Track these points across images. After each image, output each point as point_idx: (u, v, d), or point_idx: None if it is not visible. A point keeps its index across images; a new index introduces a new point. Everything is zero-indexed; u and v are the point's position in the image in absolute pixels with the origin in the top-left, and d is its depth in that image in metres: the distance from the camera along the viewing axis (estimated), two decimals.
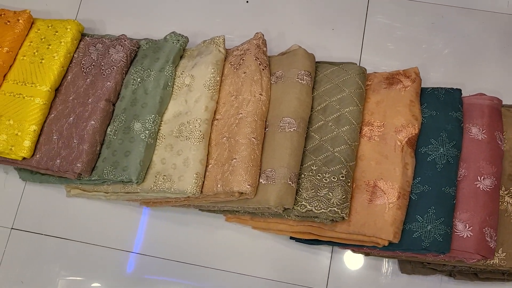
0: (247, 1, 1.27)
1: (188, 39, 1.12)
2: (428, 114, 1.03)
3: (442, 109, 1.02)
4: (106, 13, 1.29)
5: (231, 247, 1.10)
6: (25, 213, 1.15)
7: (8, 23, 1.15)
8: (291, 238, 1.08)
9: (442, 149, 0.99)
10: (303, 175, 0.99)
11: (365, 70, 1.07)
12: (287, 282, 1.07)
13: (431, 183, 0.98)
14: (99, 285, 1.09)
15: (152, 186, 1.00)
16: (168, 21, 1.27)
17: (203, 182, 1.00)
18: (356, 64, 1.08)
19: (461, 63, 1.19)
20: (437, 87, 1.07)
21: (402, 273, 1.06)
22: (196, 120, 1.01)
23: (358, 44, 1.22)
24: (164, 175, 1.00)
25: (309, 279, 1.07)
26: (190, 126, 1.01)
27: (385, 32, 1.23)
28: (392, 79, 1.06)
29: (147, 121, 1.02)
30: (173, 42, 1.10)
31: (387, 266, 1.08)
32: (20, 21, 1.15)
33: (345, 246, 1.05)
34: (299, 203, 0.97)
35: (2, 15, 1.17)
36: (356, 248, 1.05)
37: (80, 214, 1.14)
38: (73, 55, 1.16)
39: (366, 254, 1.07)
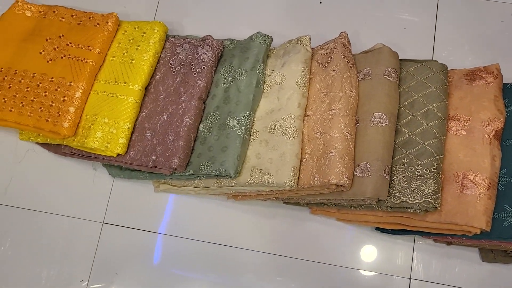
0: (320, 2, 1.32)
1: (272, 39, 1.17)
2: (510, 109, 1.07)
3: None
4: (182, 14, 1.34)
5: (317, 238, 1.14)
6: (115, 208, 1.19)
7: (97, 26, 1.20)
8: (377, 229, 1.12)
9: None
10: (394, 168, 1.04)
11: (447, 67, 1.12)
12: (372, 271, 1.11)
13: None
14: (199, 276, 1.13)
15: (248, 179, 1.05)
16: (243, 22, 1.32)
17: (299, 175, 1.04)
18: (437, 61, 1.13)
19: None
20: None
21: (483, 261, 1.10)
22: (290, 116, 1.06)
23: (429, 43, 1.26)
24: (261, 169, 1.04)
25: (393, 268, 1.12)
26: (285, 122, 1.05)
27: (456, 30, 1.27)
28: (473, 75, 1.11)
29: (242, 118, 1.07)
30: (260, 42, 1.14)
31: (467, 255, 1.12)
32: (109, 23, 1.20)
33: (429, 235, 1.09)
34: (392, 194, 1.02)
35: (91, 18, 1.21)
36: (439, 237, 1.09)
37: (167, 208, 1.19)
38: (160, 55, 1.20)
39: (448, 243, 1.11)
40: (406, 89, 1.10)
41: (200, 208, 1.18)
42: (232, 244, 1.14)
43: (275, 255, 1.13)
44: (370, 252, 1.13)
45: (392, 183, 1.03)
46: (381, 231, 1.12)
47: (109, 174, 1.20)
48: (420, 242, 1.13)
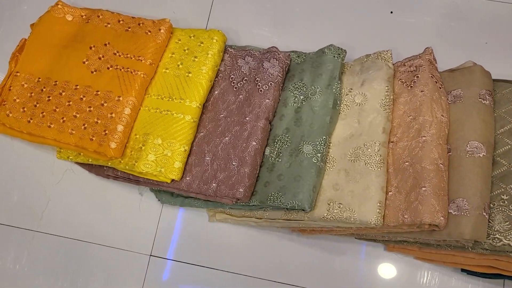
0: (391, 12, 1.19)
1: (346, 52, 1.04)
2: None
3: None
4: (238, 22, 1.21)
5: (394, 278, 1.01)
6: (164, 239, 1.06)
7: (149, 33, 1.07)
8: (463, 270, 0.99)
9: None
10: (492, 205, 0.91)
11: None
12: None
13: None
14: None
15: (325, 214, 0.92)
16: (304, 31, 1.19)
17: (384, 211, 0.91)
18: None
19: None
20: None
21: None
22: (375, 143, 0.93)
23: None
24: (340, 203, 0.92)
25: None
26: (369, 150, 0.93)
27: None
28: None
29: (318, 143, 0.94)
30: (334, 56, 1.02)
31: None
32: (162, 30, 1.07)
33: None
34: (491, 236, 0.89)
35: (141, 24, 1.08)
36: None
37: (222, 240, 1.06)
38: (219, 68, 1.07)
39: None
40: (501, 114, 0.97)
41: (257, 240, 1.05)
42: (297, 284, 1.01)
43: None
44: None
45: (490, 222, 0.90)
46: (467, 273, 0.99)
47: (158, 200, 1.07)
48: (510, 286, 1.00)
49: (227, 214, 1.04)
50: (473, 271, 0.97)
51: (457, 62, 1.07)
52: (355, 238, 1.03)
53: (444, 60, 1.06)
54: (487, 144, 0.92)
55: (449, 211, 0.89)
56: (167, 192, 1.05)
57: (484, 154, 0.91)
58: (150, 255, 1.05)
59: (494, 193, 0.92)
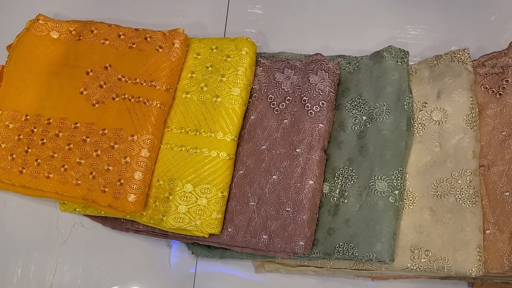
0: None
1: (409, 54, 0.83)
2: None
3: None
4: (261, 21, 0.99)
5: None
6: None
7: (160, 50, 0.85)
8: None
9: None
10: None
11: None
12: None
13: None
14: None
15: (409, 265, 0.74)
16: (340, 28, 0.98)
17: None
18: None
19: None
20: None
21: None
22: (465, 172, 0.74)
23: None
24: (427, 250, 0.74)
25: None
26: (459, 182, 0.74)
27: None
28: None
29: (393, 177, 0.75)
30: (397, 62, 0.81)
31: None
32: (176, 45, 0.85)
33: None
34: None
35: (149, 39, 0.86)
36: None
37: None
38: (253, 86, 0.87)
39: None
40: None
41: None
42: None
43: None
44: None
45: None
46: None
47: (192, 253, 0.88)
48: None
49: (278, 263, 0.85)
50: None
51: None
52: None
53: None
54: None
55: None
56: (203, 245, 0.86)
57: None
58: None
59: None
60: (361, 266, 0.78)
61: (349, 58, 0.87)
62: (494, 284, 0.83)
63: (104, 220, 0.89)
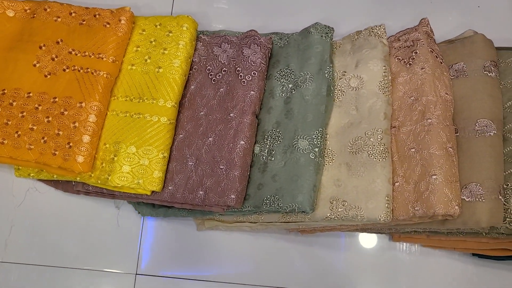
0: None
1: (334, 30, 0.93)
2: None
3: None
4: (206, 3, 1.07)
5: (401, 269, 0.94)
6: (149, 254, 0.95)
7: (107, 25, 0.92)
8: (474, 254, 0.93)
9: None
10: (505, 186, 0.84)
11: None
12: None
13: None
14: None
15: (328, 214, 0.83)
16: (282, 8, 1.07)
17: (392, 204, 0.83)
18: None
19: None
20: None
21: None
22: (377, 131, 0.84)
23: (508, 23, 1.06)
24: (344, 201, 0.83)
25: None
26: (371, 139, 0.83)
27: None
28: None
29: (314, 136, 0.84)
30: (321, 36, 0.91)
31: None
32: (122, 21, 0.93)
33: None
34: (508, 219, 0.83)
35: (97, 16, 0.94)
36: None
37: (213, 248, 0.96)
38: (193, 59, 0.95)
39: None
40: (507, 86, 0.90)
41: (251, 244, 0.96)
42: (300, 286, 0.93)
43: None
44: (466, 282, 0.94)
45: (505, 204, 0.83)
46: (479, 257, 0.93)
47: (138, 212, 0.96)
48: None
49: (217, 220, 0.93)
50: (485, 254, 0.91)
51: (450, 29, 0.99)
52: (359, 232, 0.95)
53: (439, 27, 0.97)
54: (496, 121, 0.85)
55: (462, 197, 0.82)
56: (147, 203, 0.94)
57: (495, 132, 0.84)
58: (136, 274, 0.94)
59: (507, 172, 0.85)
60: (288, 219, 0.86)
61: (281, 35, 0.96)
62: (409, 234, 0.93)
63: (56, 183, 0.96)
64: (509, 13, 1.06)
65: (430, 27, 0.91)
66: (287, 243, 0.95)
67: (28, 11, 0.97)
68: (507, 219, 0.83)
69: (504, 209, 0.83)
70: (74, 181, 0.93)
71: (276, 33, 0.97)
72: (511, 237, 0.85)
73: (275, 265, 0.95)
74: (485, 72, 0.87)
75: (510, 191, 0.84)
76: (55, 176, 0.93)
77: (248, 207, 0.86)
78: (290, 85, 0.89)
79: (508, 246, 0.87)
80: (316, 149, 0.84)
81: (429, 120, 0.83)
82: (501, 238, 0.86)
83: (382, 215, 0.80)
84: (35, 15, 0.96)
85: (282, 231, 0.95)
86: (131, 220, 0.97)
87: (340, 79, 0.89)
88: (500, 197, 0.81)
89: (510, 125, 0.87)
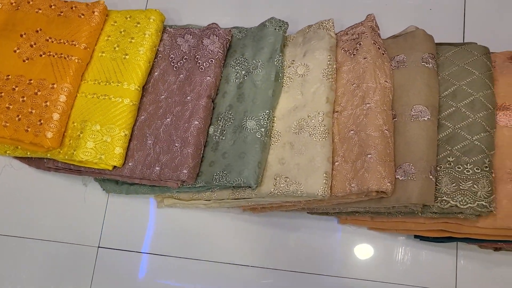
0: None
1: (288, 24, 1.01)
2: None
3: None
4: (179, 1, 1.17)
5: (348, 251, 1.00)
6: (112, 229, 1.02)
7: (82, 16, 1.02)
8: (416, 236, 0.98)
9: None
10: (439, 168, 0.90)
11: (489, 50, 0.98)
12: (413, 285, 0.98)
13: None
14: None
15: (272, 190, 0.89)
16: (251, 7, 1.16)
17: (332, 182, 0.89)
18: (477, 43, 0.99)
19: None
20: None
21: None
22: (318, 113, 0.91)
23: (459, 24, 1.13)
24: (286, 177, 0.89)
25: (436, 280, 0.98)
26: (313, 121, 0.90)
27: (487, 8, 1.14)
28: None
29: (261, 117, 0.91)
30: (275, 29, 0.99)
31: None
32: (96, 13, 1.02)
33: (473, 241, 0.96)
34: (439, 198, 0.88)
35: (74, 8, 1.04)
36: (487, 243, 0.96)
37: (173, 226, 1.02)
38: (158, 49, 1.03)
39: (496, 249, 0.99)
40: (445, 77, 0.96)
41: (211, 222, 1.02)
42: (250, 263, 0.99)
43: (302, 273, 0.98)
44: (409, 264, 0.99)
45: (437, 185, 0.89)
46: (420, 239, 0.99)
47: (103, 189, 1.03)
48: (464, 249, 1.00)
49: (175, 198, 1.00)
50: (425, 236, 0.97)
51: (402, 29, 1.07)
52: (307, 213, 1.01)
53: (390, 27, 1.05)
54: (431, 108, 0.91)
55: (396, 176, 0.88)
56: (111, 181, 1.01)
57: (429, 117, 0.90)
58: (98, 247, 1.01)
59: (441, 155, 0.91)
60: (238, 195, 0.93)
61: (241, 28, 1.05)
62: (354, 216, 0.98)
63: (30, 161, 1.04)
64: (457, 14, 1.13)
65: (376, 22, 0.99)
66: (243, 222, 1.01)
67: (13, 3, 1.07)
68: (439, 198, 0.88)
69: (436, 189, 0.89)
70: (46, 158, 1.00)
71: (237, 27, 1.05)
72: (445, 216, 0.90)
73: (229, 242, 1.01)
74: (423, 63, 0.94)
75: (442, 172, 0.90)
76: (28, 153, 1.01)
77: (201, 182, 0.93)
78: (243, 72, 0.96)
79: (444, 227, 0.92)
80: (263, 129, 0.91)
81: (368, 105, 0.90)
82: (436, 217, 0.91)
83: (319, 190, 0.86)
84: (19, 7, 1.06)
85: (237, 210, 1.02)
86: (97, 197, 1.04)
87: (289, 67, 0.97)
88: (431, 176, 0.87)
89: (446, 112, 0.94)
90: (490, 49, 1.03)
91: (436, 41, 1.03)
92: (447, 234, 0.93)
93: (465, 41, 1.11)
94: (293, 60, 0.97)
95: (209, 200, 0.97)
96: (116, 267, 1.00)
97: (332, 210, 0.96)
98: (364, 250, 1.00)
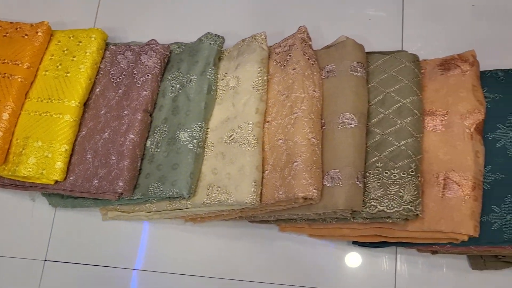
0: None
1: (224, 39, 1.04)
2: (491, 98, 0.97)
3: (505, 91, 0.97)
4: (125, 20, 1.21)
5: (289, 258, 1.02)
6: (58, 243, 1.05)
7: (26, 37, 1.06)
8: (354, 242, 1.00)
9: (511, 133, 0.93)
10: (368, 174, 0.92)
11: (418, 57, 1.01)
12: None
13: (503, 170, 0.92)
14: None
15: (205, 199, 0.92)
16: (195, 24, 1.19)
17: (261, 190, 0.91)
18: (407, 51, 1.02)
19: (508, 43, 1.14)
20: (495, 70, 1.01)
21: (473, 269, 0.99)
22: (248, 124, 0.93)
23: (398, 33, 1.16)
24: (218, 187, 0.91)
25: (375, 284, 1.00)
26: (242, 131, 0.93)
27: (426, 18, 1.17)
28: (447, 64, 1.00)
29: (193, 129, 0.94)
30: (210, 43, 1.02)
31: (455, 263, 1.00)
32: (39, 33, 1.06)
33: (411, 245, 0.98)
34: (368, 204, 0.90)
35: (19, 29, 1.07)
36: (423, 246, 0.98)
37: (118, 238, 1.05)
38: (100, 66, 1.07)
39: (433, 253, 1.00)
40: (375, 85, 0.99)
41: (154, 234, 1.04)
42: (193, 273, 1.01)
43: (242, 281, 1.00)
44: (349, 269, 1.01)
45: (366, 190, 0.91)
46: (359, 245, 1.00)
47: (50, 204, 1.06)
48: (403, 253, 1.01)
49: (118, 210, 1.02)
50: (363, 242, 0.98)
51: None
52: (249, 221, 1.03)
53: (330, 38, 1.08)
54: (359, 115, 0.93)
55: (324, 183, 0.90)
56: (57, 195, 1.04)
57: (356, 124, 0.92)
58: (45, 260, 1.03)
59: (370, 162, 0.93)
60: (175, 206, 0.95)
61: (180, 44, 1.08)
62: (293, 223, 1.00)
63: None
64: (396, 23, 1.16)
65: (307, 34, 1.02)
66: (185, 233, 1.04)
67: None
68: (367, 203, 0.90)
69: (365, 195, 0.91)
70: None
71: (177, 42, 1.09)
72: (377, 221, 0.92)
73: (169, 251, 1.03)
74: (351, 72, 0.96)
75: (371, 178, 0.92)
76: None
77: (138, 194, 0.95)
78: (178, 86, 1.00)
79: (377, 231, 0.94)
80: (195, 141, 0.93)
81: (296, 114, 0.93)
82: (368, 223, 0.93)
83: (248, 198, 0.88)
84: None
85: (178, 221, 1.04)
86: (44, 211, 1.07)
87: (222, 80, 1.00)
88: (358, 182, 0.89)
89: (375, 119, 0.96)
90: (427, 57, 1.06)
91: (375, 50, 1.06)
92: (382, 239, 0.95)
93: (404, 49, 1.14)
94: (226, 73, 1.00)
95: (150, 212, 1.00)
96: (62, 279, 1.02)
97: (268, 218, 0.98)
98: (304, 257, 1.01)
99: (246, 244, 1.02)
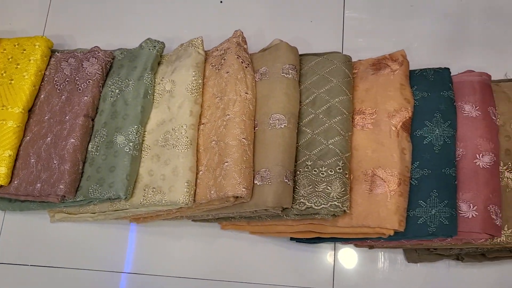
0: (221, 1, 1.23)
1: (164, 44, 1.08)
2: (419, 96, 1.00)
3: (433, 89, 1.00)
4: (74, 27, 1.24)
5: (230, 255, 1.05)
6: (7, 245, 1.08)
7: None
8: (292, 239, 1.04)
9: (437, 130, 0.97)
10: (298, 172, 0.95)
11: (350, 58, 1.04)
12: (292, 285, 1.02)
13: (430, 166, 0.95)
14: None
15: (141, 200, 0.95)
16: (141, 29, 1.23)
17: (195, 190, 0.95)
18: (340, 52, 1.05)
19: (444, 43, 1.17)
20: (425, 68, 1.04)
21: (408, 262, 1.03)
22: (182, 126, 0.96)
23: (338, 34, 1.19)
24: (153, 188, 0.95)
25: (314, 280, 1.03)
26: (176, 133, 0.96)
27: (366, 18, 1.20)
28: (378, 64, 1.04)
29: (130, 132, 0.97)
30: (149, 49, 1.05)
31: (393, 257, 1.04)
32: None
33: (347, 241, 1.02)
34: (297, 201, 0.93)
35: None
36: (360, 241, 1.01)
37: (66, 239, 1.08)
38: (45, 73, 1.10)
39: (370, 247, 1.04)
40: (307, 86, 1.02)
41: (103, 234, 1.08)
42: (139, 271, 1.04)
43: (187, 278, 1.03)
44: (288, 265, 1.04)
45: (296, 188, 0.94)
46: (296, 241, 1.04)
47: None
48: (341, 249, 1.05)
49: (65, 212, 1.06)
50: (300, 238, 1.01)
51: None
52: (192, 220, 1.06)
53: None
54: (289, 116, 0.96)
55: (255, 182, 0.93)
56: (5, 199, 1.07)
57: (286, 125, 0.95)
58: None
59: (300, 160, 0.97)
60: (116, 207, 0.98)
61: (123, 50, 1.11)
62: (233, 221, 1.03)
63: None
64: (336, 25, 1.19)
65: (243, 38, 1.05)
66: (126, 232, 1.07)
67: None
68: (297, 201, 0.93)
69: (295, 192, 0.94)
70: None
71: (121, 49, 1.12)
72: (308, 218, 0.95)
73: (115, 251, 1.06)
74: (283, 74, 1.00)
75: (301, 176, 0.95)
76: None
77: (80, 196, 0.99)
78: (117, 91, 1.03)
79: (309, 228, 0.97)
80: (131, 144, 0.97)
81: (228, 116, 0.96)
82: (300, 219, 0.96)
83: (181, 198, 0.91)
84: None
85: (122, 221, 1.07)
86: None
87: (158, 84, 1.03)
88: (286, 180, 0.92)
89: (306, 119, 0.99)
90: (367, 57, 1.09)
91: (315, 52, 1.09)
92: (316, 235, 0.98)
93: (343, 49, 1.18)
94: (163, 77, 1.03)
95: (95, 213, 1.03)
96: (12, 280, 1.05)
97: (207, 217, 1.02)
98: (245, 254, 1.05)
99: (188, 242, 1.06)
